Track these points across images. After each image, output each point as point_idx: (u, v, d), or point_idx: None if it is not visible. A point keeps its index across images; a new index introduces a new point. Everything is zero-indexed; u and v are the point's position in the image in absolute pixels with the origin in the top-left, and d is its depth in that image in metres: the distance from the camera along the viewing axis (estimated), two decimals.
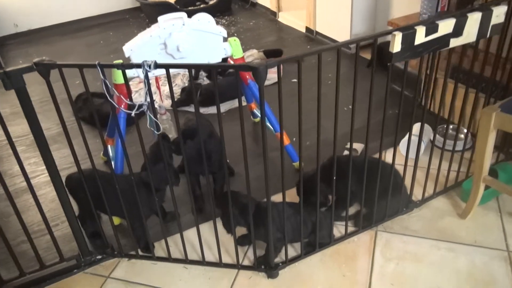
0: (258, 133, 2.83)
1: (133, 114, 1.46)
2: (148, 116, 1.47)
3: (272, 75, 3.46)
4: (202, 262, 1.87)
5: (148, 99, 1.44)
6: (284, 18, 4.74)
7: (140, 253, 1.94)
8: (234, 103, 3.09)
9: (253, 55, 3.87)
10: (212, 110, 3.03)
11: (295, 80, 3.31)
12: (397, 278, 1.74)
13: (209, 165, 2.01)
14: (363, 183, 1.80)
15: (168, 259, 1.90)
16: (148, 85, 1.39)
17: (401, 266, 1.79)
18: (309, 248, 1.87)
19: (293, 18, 4.57)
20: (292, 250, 1.89)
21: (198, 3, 5.25)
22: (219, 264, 1.85)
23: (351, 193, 1.86)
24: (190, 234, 1.99)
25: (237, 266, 1.84)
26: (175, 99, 3.23)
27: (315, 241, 1.84)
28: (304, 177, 1.83)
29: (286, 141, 2.32)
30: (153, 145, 1.87)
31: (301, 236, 1.78)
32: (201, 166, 1.83)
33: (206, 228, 2.01)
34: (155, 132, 1.50)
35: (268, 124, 2.29)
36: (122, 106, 1.88)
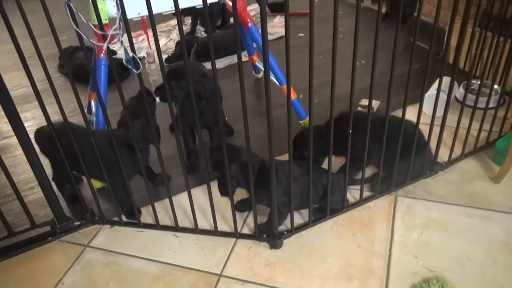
0: (260, 90, 2.55)
1: (104, 47, 1.18)
2: (124, 50, 1.19)
3: (277, 30, 3.17)
4: (195, 230, 1.63)
5: (122, 28, 1.15)
6: None
7: (125, 219, 1.70)
8: (234, 59, 2.82)
9: (255, 10, 3.55)
10: (210, 65, 2.74)
11: (301, 34, 3.00)
12: (421, 249, 1.50)
13: (203, 117, 1.75)
14: (380, 141, 1.54)
15: (156, 226, 1.67)
16: (122, 7, 1.10)
17: (425, 236, 1.55)
18: (319, 215, 1.63)
19: None
20: (299, 217, 1.66)
21: None
22: (214, 232, 1.62)
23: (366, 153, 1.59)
24: (182, 198, 1.75)
25: (235, 234, 1.61)
26: (170, 55, 2.97)
27: (326, 207, 1.59)
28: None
29: (293, 95, 2.05)
30: (133, 98, 1.60)
31: (309, 201, 1.53)
32: (194, 115, 1.57)
33: (199, 192, 1.78)
34: (134, 70, 1.22)
35: (272, 78, 2.04)
36: (102, 53, 1.60)
